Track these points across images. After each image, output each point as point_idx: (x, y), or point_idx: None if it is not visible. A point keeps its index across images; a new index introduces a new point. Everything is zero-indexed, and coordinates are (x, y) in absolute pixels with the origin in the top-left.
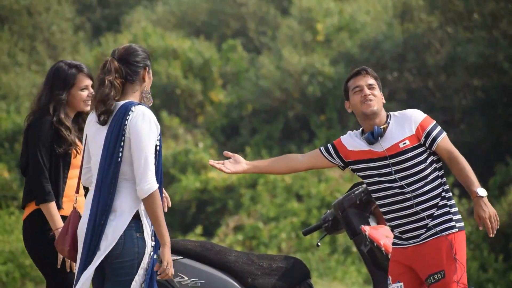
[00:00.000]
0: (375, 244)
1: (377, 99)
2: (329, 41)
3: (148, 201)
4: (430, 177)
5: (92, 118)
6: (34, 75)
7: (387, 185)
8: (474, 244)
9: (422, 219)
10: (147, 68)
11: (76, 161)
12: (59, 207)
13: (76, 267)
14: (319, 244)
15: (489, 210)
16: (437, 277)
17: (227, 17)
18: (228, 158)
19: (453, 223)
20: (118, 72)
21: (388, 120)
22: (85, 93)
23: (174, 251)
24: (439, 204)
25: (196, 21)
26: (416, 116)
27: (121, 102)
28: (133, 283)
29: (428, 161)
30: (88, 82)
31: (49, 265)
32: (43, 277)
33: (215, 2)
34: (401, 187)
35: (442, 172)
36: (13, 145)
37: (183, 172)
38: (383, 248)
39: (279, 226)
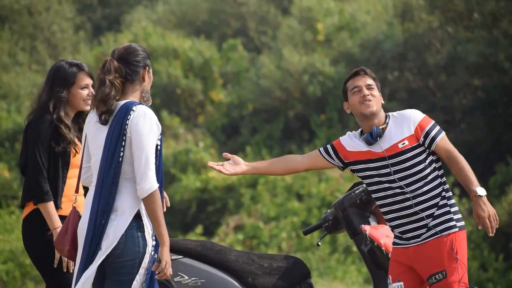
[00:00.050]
0: (376, 243)
1: (376, 100)
2: (329, 40)
3: (148, 200)
4: (430, 177)
5: (92, 118)
6: (34, 75)
7: (386, 185)
8: (474, 243)
9: (422, 219)
10: (147, 67)
11: (75, 160)
12: (57, 207)
13: (75, 267)
14: (319, 243)
15: (488, 210)
16: (439, 277)
17: (228, 17)
18: (227, 159)
19: (453, 223)
20: (118, 71)
21: (387, 121)
22: (85, 92)
23: (175, 250)
24: (439, 204)
25: (197, 21)
26: (414, 116)
27: (122, 102)
28: (134, 282)
29: (427, 161)
30: (89, 81)
31: (48, 265)
32: None
33: (216, 1)
34: (400, 187)
35: (441, 171)
36: (14, 145)
37: (184, 172)
38: (383, 248)
39: (280, 225)
